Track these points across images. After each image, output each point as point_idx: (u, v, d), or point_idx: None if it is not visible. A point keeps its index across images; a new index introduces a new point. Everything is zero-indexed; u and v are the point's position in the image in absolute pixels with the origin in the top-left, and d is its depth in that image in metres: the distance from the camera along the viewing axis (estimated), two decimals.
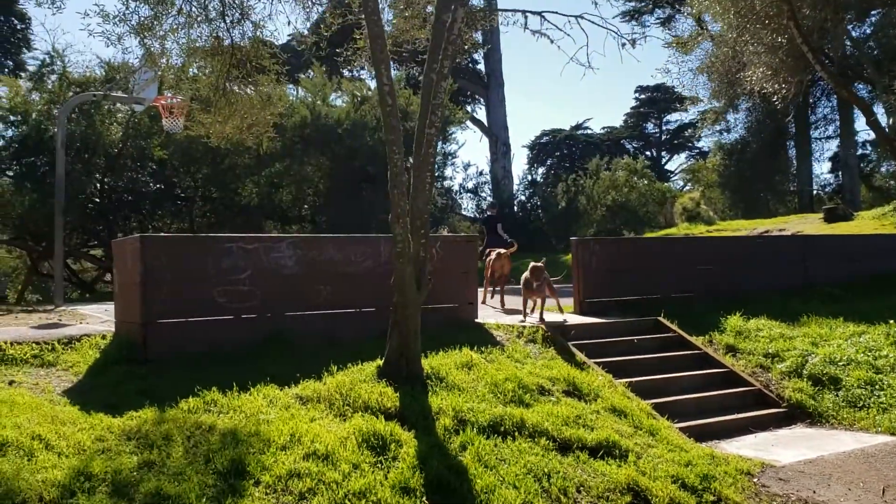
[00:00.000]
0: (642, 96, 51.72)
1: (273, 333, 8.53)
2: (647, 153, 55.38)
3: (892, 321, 11.13)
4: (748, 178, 36.89)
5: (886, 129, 10.64)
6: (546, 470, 6.17)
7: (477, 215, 35.87)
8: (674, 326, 10.80)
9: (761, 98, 21.75)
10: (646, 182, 33.80)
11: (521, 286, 10.80)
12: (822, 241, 16.92)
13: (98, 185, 19.96)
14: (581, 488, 6.06)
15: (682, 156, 55.15)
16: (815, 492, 6.76)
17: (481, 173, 39.48)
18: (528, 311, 10.86)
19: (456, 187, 36.82)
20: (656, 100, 50.23)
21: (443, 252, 10.02)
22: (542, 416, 7.06)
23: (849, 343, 10.58)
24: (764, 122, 36.58)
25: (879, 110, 26.23)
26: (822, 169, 65.88)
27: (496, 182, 37.51)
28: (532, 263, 10.48)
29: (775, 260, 14.41)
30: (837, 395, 9.35)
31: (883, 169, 40.94)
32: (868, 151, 41.39)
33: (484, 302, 12.78)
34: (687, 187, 47.79)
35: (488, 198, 36.52)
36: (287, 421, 6.27)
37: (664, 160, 56.29)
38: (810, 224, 26.92)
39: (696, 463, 6.77)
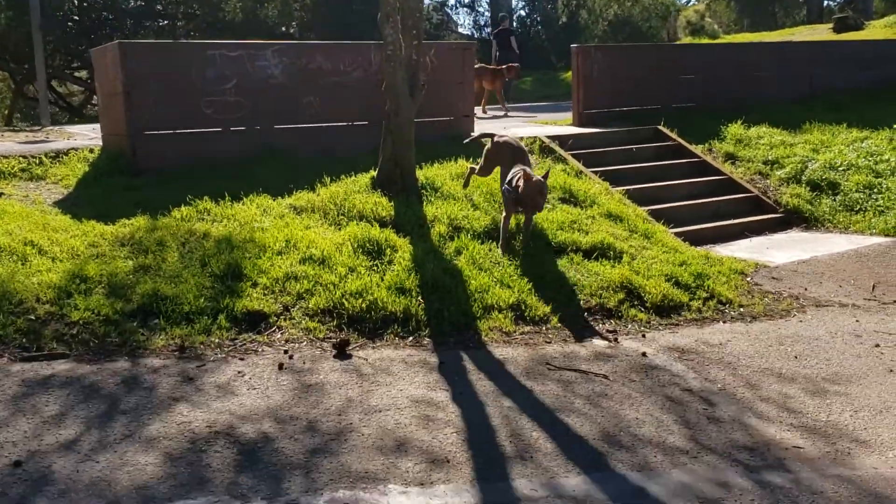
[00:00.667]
0: None
1: (263, 146, 8.36)
2: None
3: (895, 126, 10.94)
4: None
5: None
6: (540, 271, 6.21)
7: (474, 32, 34.54)
8: (673, 135, 10.60)
9: None
10: None
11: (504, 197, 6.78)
12: (829, 47, 16.32)
13: (76, 1, 19.04)
14: (575, 287, 6.12)
15: None
16: (806, 289, 6.85)
17: None
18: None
19: (452, 1, 35.20)
20: None
21: (437, 61, 9.62)
22: (537, 221, 7.03)
23: (850, 149, 10.43)
24: None
25: None
26: None
27: None
28: (535, 178, 6.29)
29: (780, 68, 13.94)
30: (835, 200, 9.32)
31: None
32: None
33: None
34: (693, 1, 45.79)
35: (486, 13, 34.99)
36: (282, 228, 6.25)
37: None
38: (819, 35, 25.95)
39: (690, 263, 6.81)
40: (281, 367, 4.55)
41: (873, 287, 6.96)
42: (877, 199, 9.09)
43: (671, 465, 3.64)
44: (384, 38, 7.00)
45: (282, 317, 5.17)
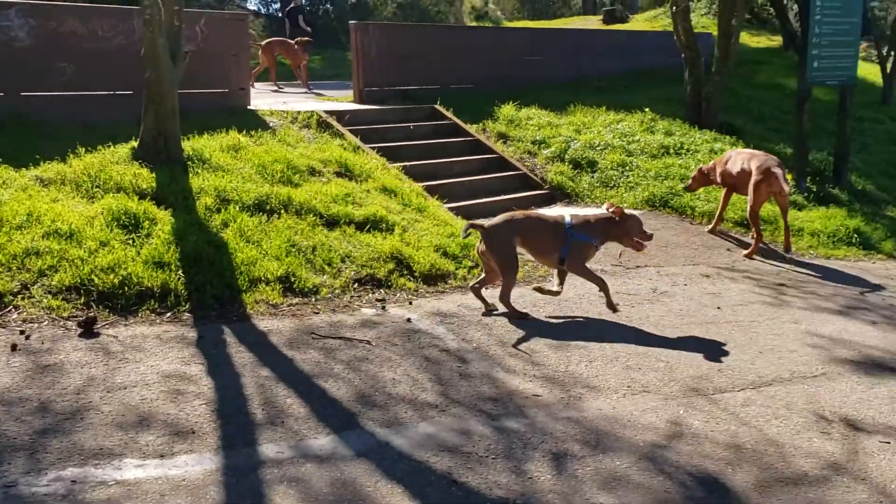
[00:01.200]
0: None
1: (9, 114, 7.62)
2: None
3: (646, 109, 11.99)
4: None
5: None
6: (311, 244, 6.19)
7: (261, 7, 33.55)
8: (449, 114, 10.94)
9: None
10: None
11: None
12: (595, 36, 17.60)
13: None
14: (346, 258, 6.17)
15: None
16: None
17: None
18: None
19: None
20: None
21: (209, 31, 9.24)
22: (310, 195, 7.00)
23: (608, 129, 11.31)
24: None
25: None
26: None
27: None
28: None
29: (552, 54, 14.83)
30: (593, 177, 10.05)
31: None
32: None
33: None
34: None
35: None
36: (23, 201, 5.75)
37: None
38: (591, 25, 27.85)
39: (459, 235, 7.08)
40: (14, 348, 4.19)
41: (620, 254, 7.59)
42: (628, 176, 9.92)
43: (419, 419, 3.78)
44: (141, 1, 6.61)
45: (19, 295, 4.76)
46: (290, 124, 9.40)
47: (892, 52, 15.56)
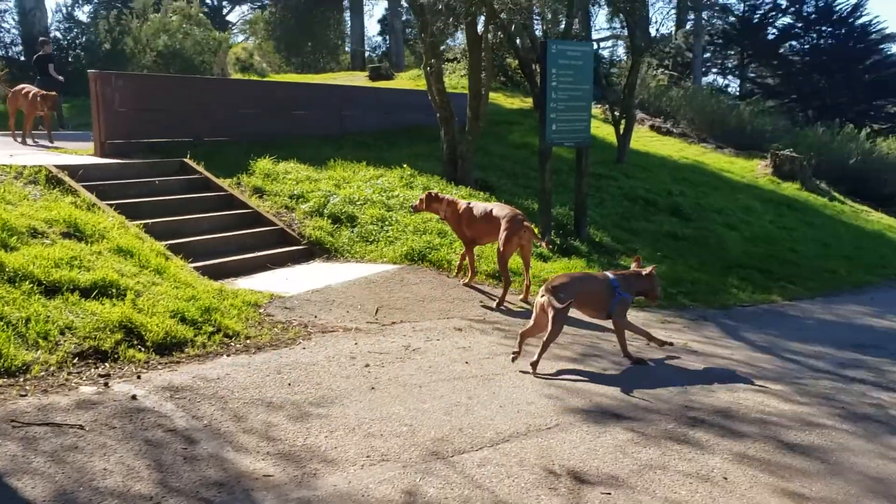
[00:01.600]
0: None
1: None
2: (208, 1, 52.74)
3: (405, 165, 12.23)
4: (301, 33, 37.16)
5: None
6: (24, 315, 5.50)
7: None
8: (200, 168, 10.46)
9: None
10: (202, 29, 32.09)
11: None
12: (359, 92, 17.80)
13: None
14: (67, 330, 5.54)
15: (245, 7, 53.61)
16: (316, 316, 7.16)
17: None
18: None
19: None
20: None
21: None
22: (28, 259, 6.25)
23: (368, 185, 11.36)
24: None
25: None
26: (373, 30, 69.72)
27: (24, 13, 32.25)
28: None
29: (316, 108, 14.79)
30: (353, 232, 10.00)
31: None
32: (412, 18, 44.49)
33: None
34: (251, 39, 46.76)
35: (13, 30, 31.37)
36: None
37: (226, 10, 54.30)
38: (357, 81, 28.30)
39: (201, 298, 6.66)
40: None
41: (376, 311, 7.54)
42: (388, 231, 9.97)
43: None
44: None
45: None
46: (13, 180, 8.45)
47: (624, 116, 17.17)
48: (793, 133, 24.37)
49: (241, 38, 47.76)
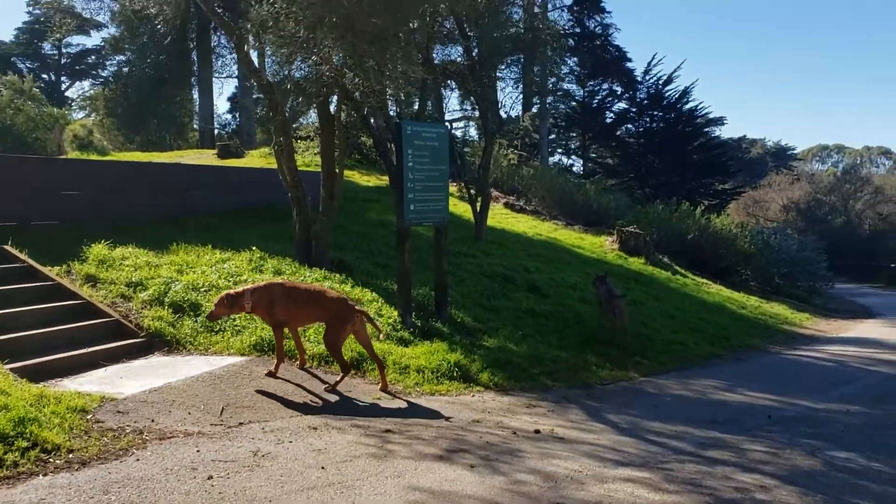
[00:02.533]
0: (37, 11, 46.20)
1: None
2: (45, 76, 50.23)
3: (255, 248, 11.62)
4: (145, 111, 35.83)
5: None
6: None
7: None
8: (24, 256, 9.46)
9: (156, 23, 20.77)
10: (36, 105, 30.31)
11: None
12: (206, 171, 17.06)
13: None
14: None
15: (86, 83, 51.40)
16: (153, 420, 6.41)
17: None
18: None
19: None
20: (51, 18, 45.36)
21: None
22: None
23: (213, 269, 10.65)
24: (161, 54, 35.59)
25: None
26: (223, 108, 68.82)
27: None
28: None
29: (158, 188, 13.95)
30: (197, 321, 9.25)
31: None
32: (262, 96, 43.96)
33: None
34: (91, 116, 44.65)
35: None
36: None
37: (65, 86, 51.88)
38: (205, 159, 27.37)
39: (15, 406, 5.78)
40: None
41: (222, 410, 6.86)
42: (234, 319, 9.29)
43: None
44: None
45: None
46: None
47: (480, 194, 17.38)
48: (635, 210, 25.62)
49: (80, 114, 45.55)
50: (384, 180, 24.27)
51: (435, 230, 11.18)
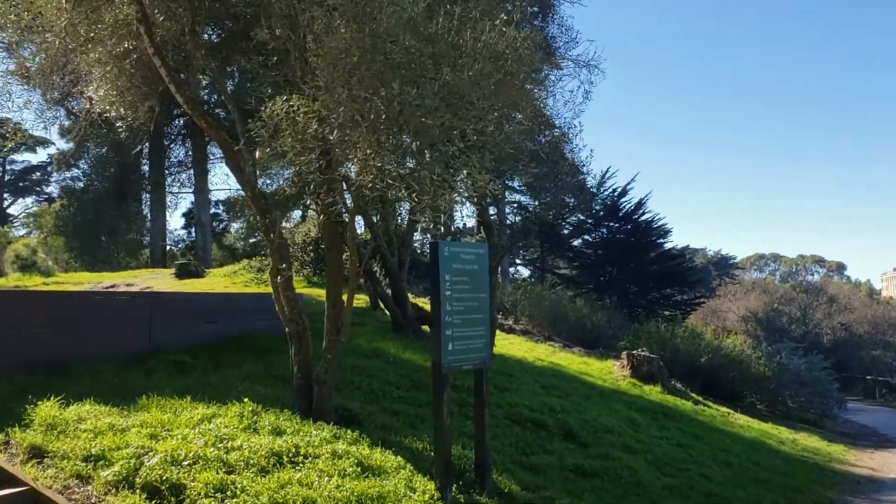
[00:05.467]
0: None
1: None
2: None
3: (246, 399, 9.31)
4: (95, 228, 33.43)
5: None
6: None
7: None
8: None
9: (109, 132, 18.79)
10: None
11: None
12: (173, 298, 14.84)
13: None
14: None
15: (30, 200, 48.93)
16: None
17: None
18: None
19: None
20: None
21: None
22: None
23: (197, 432, 8.31)
24: (113, 168, 33.61)
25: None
26: (177, 224, 66.73)
27: None
28: None
29: (116, 321, 11.67)
30: None
31: (234, 228, 42.19)
32: (220, 211, 42.21)
33: None
34: (34, 234, 42.01)
35: None
36: None
37: (7, 203, 49.35)
38: (162, 279, 25.11)
39: None
40: None
41: None
42: None
43: None
44: None
45: None
46: None
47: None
48: (631, 328, 23.93)
49: (22, 231, 42.81)
50: (361, 300, 22.25)
51: (474, 373, 9.08)
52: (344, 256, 10.14)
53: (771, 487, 11.51)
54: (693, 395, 19.27)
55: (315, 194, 7.52)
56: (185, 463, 7.53)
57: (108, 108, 10.77)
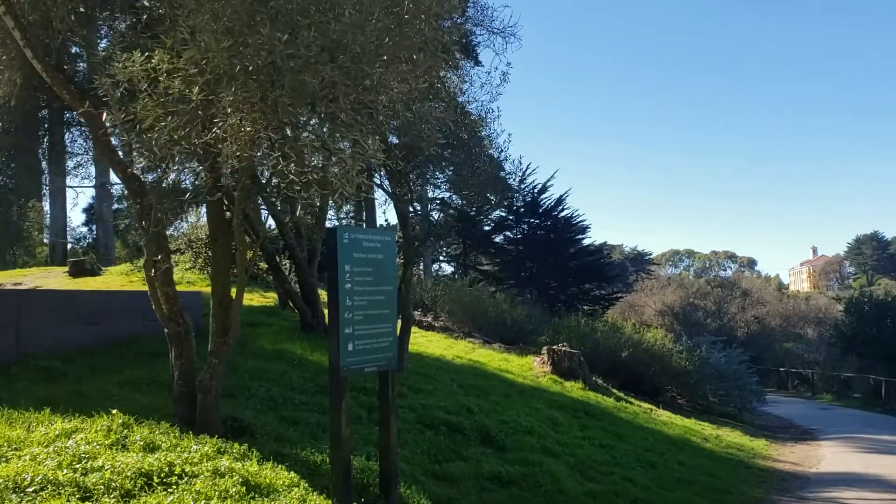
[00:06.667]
0: None
1: None
2: None
3: (115, 410, 8.08)
4: None
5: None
6: None
7: None
8: None
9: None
10: None
11: None
12: (46, 296, 13.33)
13: None
14: None
15: None
16: None
17: None
18: None
19: None
20: None
21: None
22: None
23: (51, 451, 7.05)
24: (2, 158, 31.15)
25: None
26: (77, 220, 63.56)
27: None
28: None
29: None
30: None
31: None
32: (124, 206, 39.80)
33: None
34: None
35: None
36: None
37: None
38: (55, 278, 23.26)
39: None
40: None
41: None
42: None
43: None
44: None
45: None
46: None
47: (400, 316, 14.49)
48: (551, 323, 23.35)
49: None
50: (269, 298, 21.02)
51: (379, 376, 8.09)
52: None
53: (698, 490, 10.93)
54: (614, 390, 18.76)
55: (180, 168, 6.40)
56: (30, 489, 6.29)
57: None
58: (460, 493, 8.61)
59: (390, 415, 7.90)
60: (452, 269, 46.14)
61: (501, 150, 23.30)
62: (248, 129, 5.25)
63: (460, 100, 15.80)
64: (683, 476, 11.66)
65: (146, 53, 5.87)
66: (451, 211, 41.41)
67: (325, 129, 5.36)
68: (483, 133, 14.57)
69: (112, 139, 8.42)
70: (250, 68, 5.01)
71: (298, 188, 5.89)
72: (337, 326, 7.22)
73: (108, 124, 6.73)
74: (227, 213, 8.38)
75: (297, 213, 15.55)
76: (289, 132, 5.67)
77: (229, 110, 5.18)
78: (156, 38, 6.54)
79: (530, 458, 10.49)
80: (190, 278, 22.46)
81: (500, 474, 9.49)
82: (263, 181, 10.42)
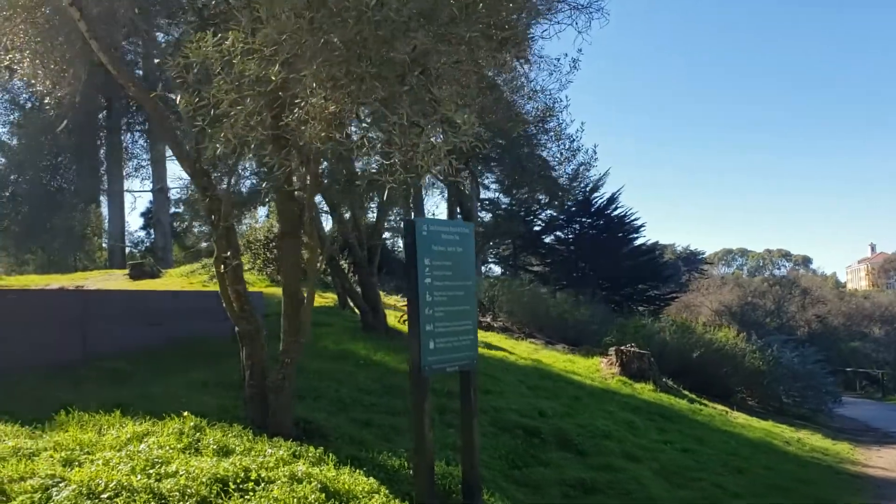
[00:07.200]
0: None
1: None
2: None
3: (186, 413, 7.80)
4: (42, 228, 31.27)
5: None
6: None
7: None
8: None
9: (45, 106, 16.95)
10: None
11: None
12: (113, 297, 13.22)
13: None
14: None
15: None
16: None
17: None
18: None
19: None
20: None
21: None
22: None
23: (124, 455, 6.78)
24: (60, 154, 31.25)
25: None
26: (135, 224, 64.65)
27: None
28: None
29: (41, 323, 10.08)
30: None
31: (196, 229, 40.36)
32: (181, 210, 40.29)
33: None
34: None
35: None
36: None
37: None
38: (115, 280, 23.41)
39: None
40: None
41: None
42: None
43: None
44: None
45: None
46: None
47: None
48: (615, 323, 22.68)
49: None
50: (327, 298, 20.76)
51: (460, 376, 7.65)
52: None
53: (796, 499, 10.23)
54: (686, 392, 18.06)
55: (257, 154, 6.06)
56: (105, 496, 6.00)
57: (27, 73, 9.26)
58: (545, 500, 8.13)
59: (473, 418, 7.45)
60: (502, 270, 45.57)
61: (573, 140, 22.70)
62: (333, 108, 4.87)
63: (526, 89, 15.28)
64: (774, 482, 10.97)
65: (219, 35, 5.54)
66: (501, 212, 40.95)
67: (414, 106, 4.94)
68: (551, 124, 14.01)
69: (177, 132, 8.18)
70: (336, 40, 4.61)
71: (379, 175, 5.48)
72: (418, 323, 6.81)
73: (178, 109, 6.42)
74: (297, 208, 8.05)
75: (359, 211, 15.24)
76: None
77: (313, 87, 4.80)
78: (227, 23, 6.23)
79: (613, 463, 9.96)
80: (248, 279, 22.39)
81: (584, 481, 8.97)
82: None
